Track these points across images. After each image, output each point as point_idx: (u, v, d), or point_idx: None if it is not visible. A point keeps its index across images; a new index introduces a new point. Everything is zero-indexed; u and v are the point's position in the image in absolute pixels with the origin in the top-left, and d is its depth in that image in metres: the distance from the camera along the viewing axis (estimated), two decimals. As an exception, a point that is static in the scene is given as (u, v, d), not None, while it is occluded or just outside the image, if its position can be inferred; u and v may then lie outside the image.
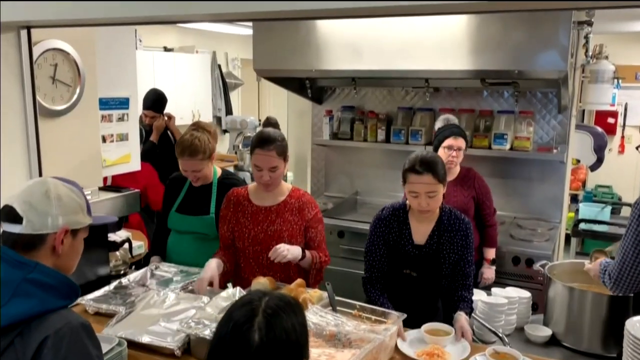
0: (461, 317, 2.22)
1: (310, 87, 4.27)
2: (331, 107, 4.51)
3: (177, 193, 2.89)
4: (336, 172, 4.66)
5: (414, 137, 4.03)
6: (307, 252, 2.48)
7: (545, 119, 3.91)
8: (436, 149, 3.22)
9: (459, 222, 2.38)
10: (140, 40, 6.33)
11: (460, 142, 3.17)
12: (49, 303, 1.35)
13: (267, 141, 2.40)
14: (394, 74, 3.56)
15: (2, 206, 1.45)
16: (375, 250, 2.42)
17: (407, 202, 2.41)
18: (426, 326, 2.12)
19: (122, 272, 2.83)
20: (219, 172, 2.89)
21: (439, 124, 3.52)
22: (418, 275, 2.38)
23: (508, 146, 3.83)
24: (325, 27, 3.57)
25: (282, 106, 6.39)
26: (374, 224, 2.44)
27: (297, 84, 4.30)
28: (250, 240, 2.52)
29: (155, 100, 4.76)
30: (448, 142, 3.16)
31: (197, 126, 2.80)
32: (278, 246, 2.36)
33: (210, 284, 2.38)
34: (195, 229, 2.82)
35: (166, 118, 4.76)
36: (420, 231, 2.39)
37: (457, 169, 3.30)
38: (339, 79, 4.18)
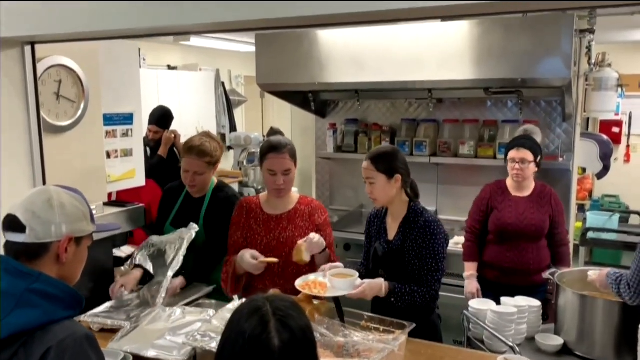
0: (380, 280, 2.28)
1: (314, 100, 4.28)
2: (335, 121, 4.51)
3: (173, 205, 2.88)
4: (341, 185, 4.64)
5: (418, 149, 4.02)
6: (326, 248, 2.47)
7: (550, 128, 3.90)
8: (505, 161, 3.15)
9: (423, 221, 2.38)
10: (144, 59, 6.37)
11: (524, 154, 3.00)
12: (53, 314, 1.33)
13: (279, 145, 2.44)
14: (396, 85, 3.56)
15: (4, 215, 1.43)
16: (365, 246, 2.58)
17: None
18: (333, 271, 2.26)
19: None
20: (215, 182, 2.88)
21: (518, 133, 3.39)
22: (387, 277, 2.37)
23: (513, 155, 3.80)
24: (328, 40, 3.59)
25: (286, 122, 6.41)
26: (366, 223, 2.62)
27: (300, 98, 4.31)
28: (263, 248, 2.50)
29: (161, 116, 4.78)
30: (511, 154, 3.06)
31: (207, 134, 2.84)
32: (312, 236, 2.35)
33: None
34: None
35: (172, 135, 4.77)
36: (393, 228, 2.46)
37: (532, 184, 3.13)
38: (342, 92, 4.18)
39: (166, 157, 4.71)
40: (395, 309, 2.27)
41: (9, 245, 1.41)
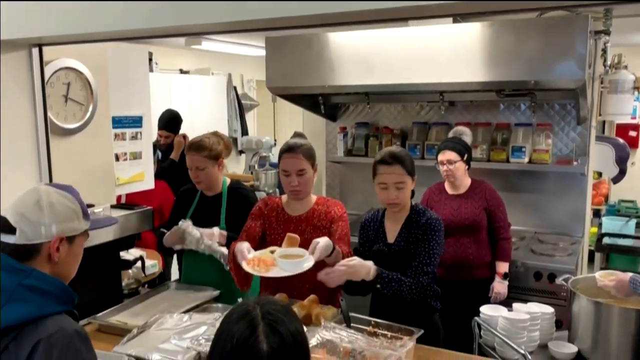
0: (369, 263, 2.20)
1: (324, 103, 4.25)
2: (345, 124, 4.47)
3: (188, 206, 2.87)
4: (351, 189, 4.60)
5: (430, 152, 3.97)
6: (336, 246, 2.31)
7: (564, 131, 3.83)
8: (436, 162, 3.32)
9: (425, 218, 2.34)
10: (157, 63, 6.40)
11: (450, 155, 3.18)
12: (45, 308, 1.35)
13: (294, 145, 2.44)
14: (407, 88, 3.52)
15: None
16: (362, 253, 2.45)
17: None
18: (282, 250, 2.19)
19: (135, 290, 2.80)
20: (228, 181, 2.88)
21: (450, 136, 3.52)
22: None
23: (526, 159, 3.75)
24: (338, 42, 3.56)
25: (298, 127, 6.37)
26: (360, 229, 2.51)
27: (310, 101, 4.29)
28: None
29: (169, 120, 4.79)
30: (439, 157, 3.25)
31: (212, 133, 2.88)
32: (316, 241, 2.21)
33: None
34: None
35: (182, 139, 4.78)
36: (392, 230, 2.40)
37: (467, 182, 3.29)
38: (353, 94, 4.15)
39: (178, 161, 4.71)
40: (396, 308, 2.23)
41: (2, 245, 1.42)
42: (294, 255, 2.17)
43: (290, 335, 1.13)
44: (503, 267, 3.22)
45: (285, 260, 2.12)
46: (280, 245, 2.40)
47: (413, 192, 2.41)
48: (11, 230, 1.40)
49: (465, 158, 3.22)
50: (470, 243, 3.20)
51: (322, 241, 2.19)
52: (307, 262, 2.14)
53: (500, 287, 3.20)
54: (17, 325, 1.31)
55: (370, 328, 2.06)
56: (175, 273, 5.23)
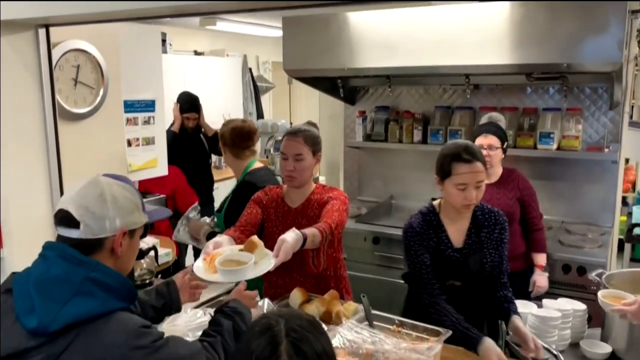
0: (519, 322, 2.05)
1: (343, 86, 4.12)
2: (364, 108, 4.33)
3: None
4: (370, 176, 4.48)
5: (453, 137, 3.82)
6: (306, 231, 2.02)
7: (595, 116, 3.66)
8: None
9: (494, 216, 2.19)
10: (171, 45, 6.28)
11: (491, 140, 2.96)
12: (109, 304, 1.31)
13: (297, 129, 2.33)
14: (432, 70, 3.36)
15: (57, 210, 1.40)
16: (421, 263, 2.15)
17: (435, 203, 2.24)
18: (225, 255, 1.90)
19: (147, 281, 2.72)
20: (252, 167, 2.80)
21: (484, 121, 3.29)
22: (463, 284, 2.17)
23: (555, 146, 3.59)
24: (358, 23, 3.42)
25: (314, 109, 6.25)
26: (408, 237, 2.18)
27: (328, 84, 4.15)
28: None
29: (193, 102, 4.73)
30: (478, 140, 2.98)
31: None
32: (282, 238, 1.96)
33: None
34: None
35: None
36: (456, 232, 2.19)
37: (499, 170, 3.09)
38: (373, 77, 4.00)
39: (190, 144, 4.65)
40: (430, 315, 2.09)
41: (62, 240, 1.37)
42: (241, 261, 1.87)
43: (315, 355, 1.02)
44: (542, 258, 3.07)
45: (223, 269, 1.84)
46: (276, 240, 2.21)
47: None
48: (74, 224, 1.35)
49: (504, 146, 3.03)
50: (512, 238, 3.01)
51: (289, 238, 1.92)
52: (261, 267, 1.86)
53: (542, 280, 3.04)
54: (83, 320, 1.26)
55: (394, 327, 1.95)
56: (190, 259, 5.18)
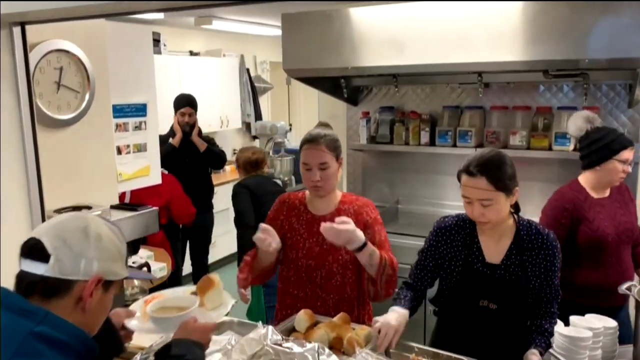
0: (533, 357, 1.84)
1: (346, 86, 3.92)
2: (368, 109, 4.13)
3: None
4: (375, 180, 4.28)
5: (462, 139, 3.63)
6: (371, 245, 2.04)
7: (613, 115, 3.46)
8: (605, 160, 2.61)
9: (541, 238, 1.95)
10: (165, 45, 6.09)
11: (631, 154, 2.59)
12: None
13: (316, 135, 2.15)
14: (442, 68, 3.15)
15: (27, 239, 1.17)
16: (426, 264, 2.08)
17: None
18: (160, 301, 1.72)
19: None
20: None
21: (579, 123, 2.74)
22: (499, 308, 1.95)
23: (571, 147, 3.39)
24: (361, 20, 3.22)
25: (313, 110, 6.06)
26: (434, 234, 2.06)
27: (330, 84, 3.95)
28: (305, 252, 2.20)
29: (190, 99, 4.65)
30: (625, 154, 2.56)
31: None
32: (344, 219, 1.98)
33: None
34: None
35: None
36: (494, 248, 1.98)
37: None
38: (377, 76, 3.80)
39: (185, 152, 4.52)
40: (488, 339, 1.92)
41: (23, 275, 1.14)
42: (182, 307, 1.67)
43: None
44: None
45: (156, 316, 1.64)
46: (304, 252, 2.18)
47: (517, 205, 1.99)
48: (44, 257, 1.12)
49: None
50: (630, 259, 2.66)
51: (351, 225, 1.97)
52: (208, 315, 1.67)
53: None
54: None
55: (413, 356, 1.75)
56: (187, 268, 4.98)
